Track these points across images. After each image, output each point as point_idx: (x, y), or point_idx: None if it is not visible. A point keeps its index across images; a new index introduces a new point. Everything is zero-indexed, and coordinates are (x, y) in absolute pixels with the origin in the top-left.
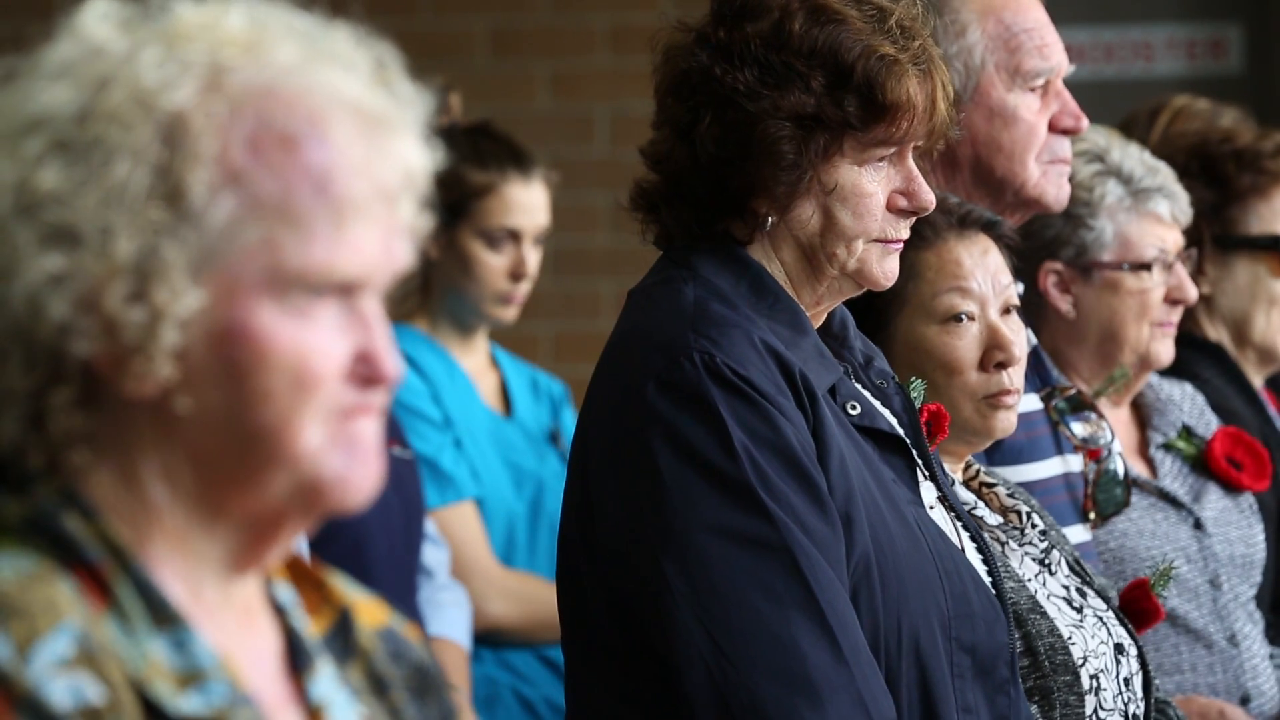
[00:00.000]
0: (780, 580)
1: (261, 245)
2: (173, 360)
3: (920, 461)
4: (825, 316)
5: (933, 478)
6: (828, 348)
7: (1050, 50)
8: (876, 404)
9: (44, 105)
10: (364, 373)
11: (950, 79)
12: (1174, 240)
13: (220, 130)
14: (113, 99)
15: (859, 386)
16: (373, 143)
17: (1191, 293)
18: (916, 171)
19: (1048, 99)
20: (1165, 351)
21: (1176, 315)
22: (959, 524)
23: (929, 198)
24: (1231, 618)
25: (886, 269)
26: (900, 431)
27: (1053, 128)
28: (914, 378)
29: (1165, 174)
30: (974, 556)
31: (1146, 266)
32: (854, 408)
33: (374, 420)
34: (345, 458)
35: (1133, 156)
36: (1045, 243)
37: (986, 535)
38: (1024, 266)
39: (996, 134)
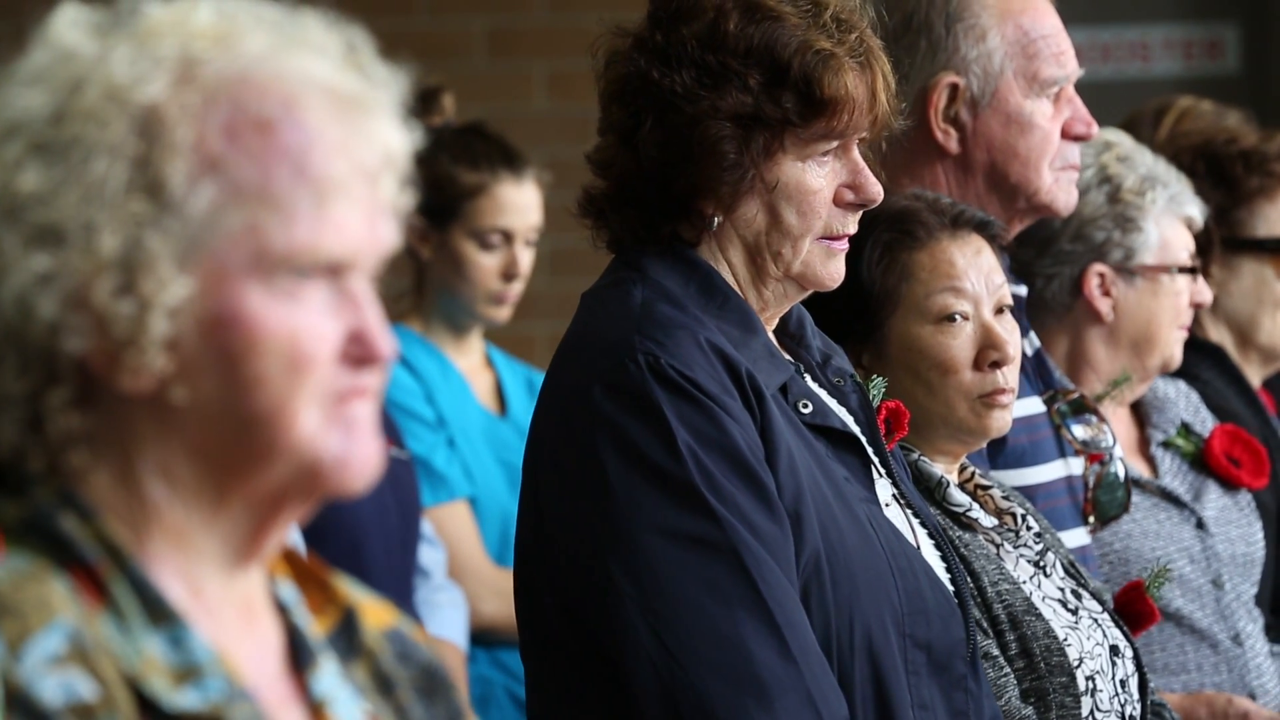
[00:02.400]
0: (726, 580)
1: (245, 230)
2: (165, 351)
3: (877, 459)
4: (779, 318)
5: (890, 474)
6: (784, 347)
7: (1066, 58)
8: (832, 403)
9: (19, 110)
10: (357, 353)
11: (970, 83)
12: (1192, 243)
13: (195, 120)
14: (87, 98)
15: (814, 385)
16: (349, 123)
17: (1208, 296)
18: (863, 164)
19: (1060, 105)
20: (1179, 354)
21: (1190, 318)
22: (916, 521)
23: (876, 190)
24: (1235, 617)
25: (831, 270)
26: (856, 430)
27: (1064, 134)
28: (875, 376)
29: (1183, 178)
30: (932, 554)
31: (1189, 270)
32: (806, 406)
33: (370, 402)
34: (343, 439)
35: (1160, 160)
36: (1095, 246)
37: (981, 539)
38: (1069, 269)
39: (1013, 141)
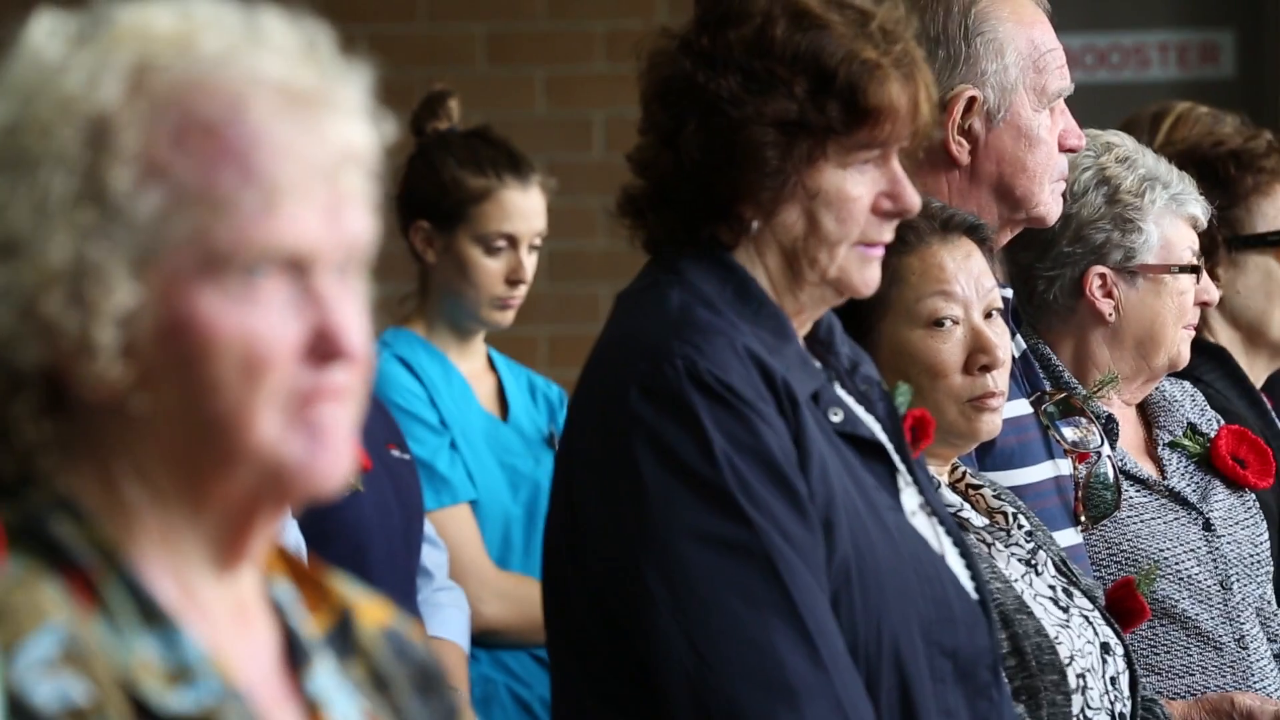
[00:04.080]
0: (759, 586)
1: (193, 234)
2: (120, 360)
3: (903, 467)
4: (811, 324)
5: (916, 483)
6: (813, 353)
7: (1065, 70)
8: (860, 410)
9: None
10: (321, 350)
11: (987, 97)
12: (1196, 242)
13: (144, 127)
14: (38, 109)
15: (842, 392)
16: (301, 121)
17: (1215, 295)
18: (901, 173)
19: (1055, 118)
20: (1186, 353)
21: (1197, 317)
22: (942, 530)
23: (914, 199)
24: (1241, 620)
25: (867, 277)
26: (883, 438)
27: (1059, 146)
28: (900, 383)
29: (1186, 177)
30: (957, 562)
31: (1192, 269)
32: (836, 414)
33: (339, 405)
34: (307, 443)
35: (1162, 161)
36: (1094, 247)
37: (972, 538)
38: (1069, 271)
39: (1022, 155)
